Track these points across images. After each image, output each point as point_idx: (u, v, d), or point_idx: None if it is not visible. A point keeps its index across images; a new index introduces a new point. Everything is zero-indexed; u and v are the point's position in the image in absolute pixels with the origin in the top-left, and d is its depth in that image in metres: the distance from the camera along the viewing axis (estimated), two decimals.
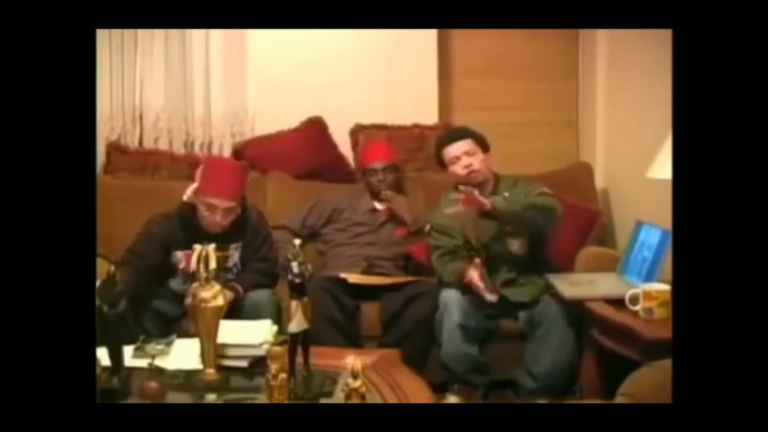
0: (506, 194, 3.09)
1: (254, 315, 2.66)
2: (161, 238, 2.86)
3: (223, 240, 2.76)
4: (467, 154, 3.07)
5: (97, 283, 2.02)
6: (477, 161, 3.08)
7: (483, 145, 3.13)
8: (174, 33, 3.82)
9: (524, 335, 2.96)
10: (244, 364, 2.23)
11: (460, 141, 3.10)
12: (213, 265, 2.16)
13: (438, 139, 3.27)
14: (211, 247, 2.18)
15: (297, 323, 2.09)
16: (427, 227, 3.19)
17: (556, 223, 3.03)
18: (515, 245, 3.02)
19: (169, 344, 2.39)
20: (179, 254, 2.84)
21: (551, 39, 4.09)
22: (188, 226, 2.83)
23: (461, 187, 2.93)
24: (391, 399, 2.03)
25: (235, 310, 2.65)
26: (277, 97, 3.86)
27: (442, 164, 3.17)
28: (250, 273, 2.92)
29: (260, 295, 2.84)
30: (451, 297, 2.92)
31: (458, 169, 3.08)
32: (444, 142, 3.15)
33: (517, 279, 3.02)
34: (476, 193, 2.89)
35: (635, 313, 2.45)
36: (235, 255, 2.92)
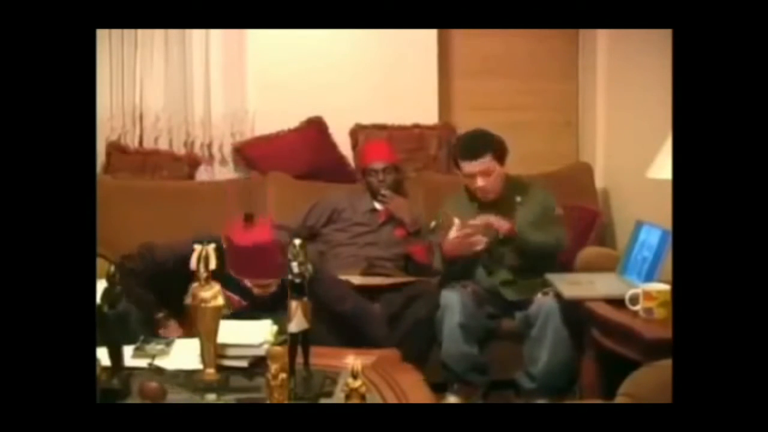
0: (518, 198, 3.06)
1: None
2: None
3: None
4: (483, 174, 3.01)
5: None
6: (491, 181, 3.02)
7: (501, 157, 3.05)
8: (174, 33, 3.82)
9: (521, 335, 2.96)
10: (244, 364, 2.23)
11: (479, 159, 3.00)
12: (213, 265, 2.16)
13: (458, 146, 3.20)
14: (211, 246, 2.18)
15: (297, 323, 2.09)
16: (433, 224, 3.18)
17: (559, 256, 3.06)
18: (515, 259, 3.03)
19: (169, 344, 2.39)
20: None
21: (551, 39, 4.10)
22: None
23: (480, 218, 2.94)
24: (391, 399, 2.03)
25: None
26: (277, 97, 3.86)
27: (456, 166, 3.14)
28: None
29: None
30: (451, 297, 2.92)
31: (469, 182, 3.06)
32: (463, 155, 3.06)
33: (516, 280, 3.02)
34: (494, 220, 2.93)
35: (635, 313, 2.45)
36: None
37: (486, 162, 3.02)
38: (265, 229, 2.70)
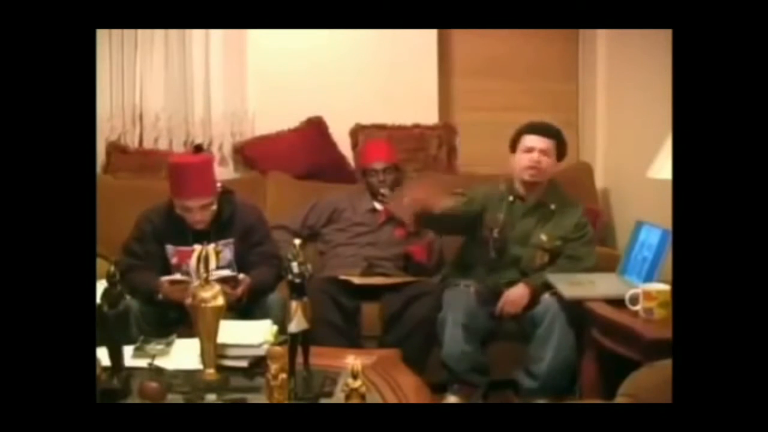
0: (553, 206, 3.08)
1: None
2: (154, 232, 2.85)
3: (208, 236, 2.75)
4: (542, 152, 3.04)
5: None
6: (545, 162, 3.04)
7: (561, 153, 3.11)
8: (174, 33, 3.82)
9: (526, 335, 2.96)
10: (244, 364, 2.23)
11: (544, 137, 3.06)
12: (213, 265, 2.17)
13: (525, 124, 3.19)
14: (212, 247, 2.19)
15: (297, 323, 2.09)
16: (460, 191, 3.17)
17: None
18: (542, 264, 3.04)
19: (169, 344, 2.39)
20: (170, 249, 2.83)
21: (551, 39, 4.10)
22: (175, 221, 2.83)
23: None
24: (391, 399, 2.04)
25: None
26: (277, 97, 3.86)
27: (512, 148, 3.13)
28: (261, 269, 2.85)
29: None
30: (454, 296, 2.92)
31: (524, 159, 3.05)
32: (528, 130, 3.10)
33: (521, 281, 3.02)
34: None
35: (635, 313, 2.45)
36: (226, 252, 2.84)
37: (550, 143, 3.06)
38: (203, 155, 3.13)
